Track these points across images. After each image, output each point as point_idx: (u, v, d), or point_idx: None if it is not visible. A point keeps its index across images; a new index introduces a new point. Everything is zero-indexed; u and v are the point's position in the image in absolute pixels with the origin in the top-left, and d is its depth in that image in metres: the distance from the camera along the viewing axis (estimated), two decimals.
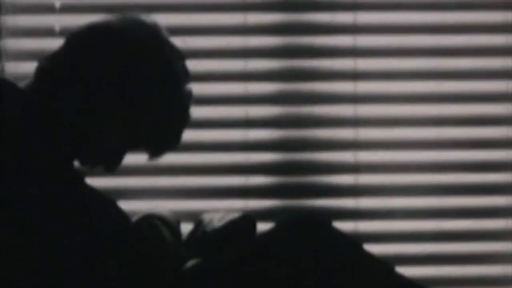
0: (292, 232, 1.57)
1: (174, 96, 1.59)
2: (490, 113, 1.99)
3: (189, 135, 1.70)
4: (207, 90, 1.95)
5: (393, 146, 1.99)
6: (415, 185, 1.99)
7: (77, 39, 1.56)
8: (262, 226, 1.70)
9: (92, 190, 1.51)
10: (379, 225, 1.99)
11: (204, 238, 1.66)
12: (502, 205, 2.00)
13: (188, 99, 1.62)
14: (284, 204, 1.98)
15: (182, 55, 1.61)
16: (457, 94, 1.99)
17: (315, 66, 1.99)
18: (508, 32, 1.99)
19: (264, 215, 1.93)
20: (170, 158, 1.76)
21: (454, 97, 1.99)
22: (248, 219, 1.68)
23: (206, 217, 1.73)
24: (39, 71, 1.54)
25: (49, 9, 1.97)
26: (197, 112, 1.70)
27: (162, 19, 1.65)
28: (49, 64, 1.54)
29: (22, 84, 1.53)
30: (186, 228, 1.75)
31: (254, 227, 1.68)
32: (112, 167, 1.59)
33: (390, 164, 1.99)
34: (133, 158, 1.72)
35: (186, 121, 1.63)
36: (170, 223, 1.68)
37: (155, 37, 1.57)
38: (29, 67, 1.58)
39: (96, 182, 1.56)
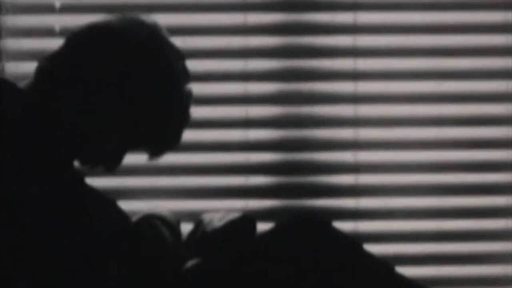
0: (292, 232, 1.57)
1: (174, 96, 1.59)
2: (490, 113, 1.99)
3: (189, 135, 1.70)
4: (207, 90, 1.95)
5: (393, 146, 1.98)
6: (415, 185, 1.98)
7: (77, 39, 1.56)
8: (262, 226, 1.70)
9: (92, 190, 1.51)
10: (379, 225, 1.99)
11: (204, 238, 1.66)
12: (502, 205, 2.00)
13: (188, 99, 1.62)
14: (284, 204, 1.98)
15: (182, 55, 1.61)
16: (457, 94, 1.99)
17: (315, 66, 1.98)
18: (508, 32, 1.99)
19: (264, 215, 1.93)
20: (170, 158, 1.76)
21: (454, 97, 1.99)
22: (248, 219, 1.68)
23: (206, 217, 1.73)
24: (39, 71, 1.54)
25: (49, 9, 1.97)
26: (197, 112, 1.70)
27: (162, 19, 1.65)
28: (49, 64, 1.54)
29: (22, 84, 1.53)
30: (186, 228, 1.75)
31: (254, 227, 1.67)
32: (112, 167, 1.59)
33: (390, 164, 1.99)
34: (133, 158, 1.72)
35: (186, 121, 1.63)
36: (170, 223, 1.68)
37: (155, 37, 1.57)
38: (29, 67, 1.58)
39: (96, 182, 1.56)
